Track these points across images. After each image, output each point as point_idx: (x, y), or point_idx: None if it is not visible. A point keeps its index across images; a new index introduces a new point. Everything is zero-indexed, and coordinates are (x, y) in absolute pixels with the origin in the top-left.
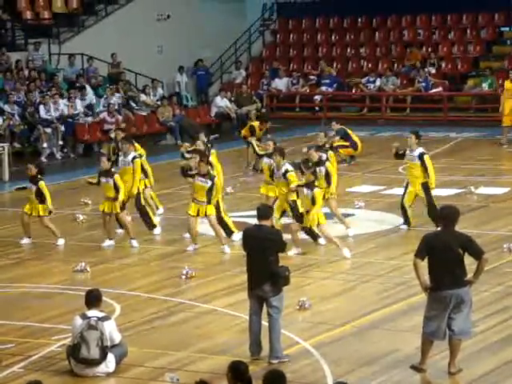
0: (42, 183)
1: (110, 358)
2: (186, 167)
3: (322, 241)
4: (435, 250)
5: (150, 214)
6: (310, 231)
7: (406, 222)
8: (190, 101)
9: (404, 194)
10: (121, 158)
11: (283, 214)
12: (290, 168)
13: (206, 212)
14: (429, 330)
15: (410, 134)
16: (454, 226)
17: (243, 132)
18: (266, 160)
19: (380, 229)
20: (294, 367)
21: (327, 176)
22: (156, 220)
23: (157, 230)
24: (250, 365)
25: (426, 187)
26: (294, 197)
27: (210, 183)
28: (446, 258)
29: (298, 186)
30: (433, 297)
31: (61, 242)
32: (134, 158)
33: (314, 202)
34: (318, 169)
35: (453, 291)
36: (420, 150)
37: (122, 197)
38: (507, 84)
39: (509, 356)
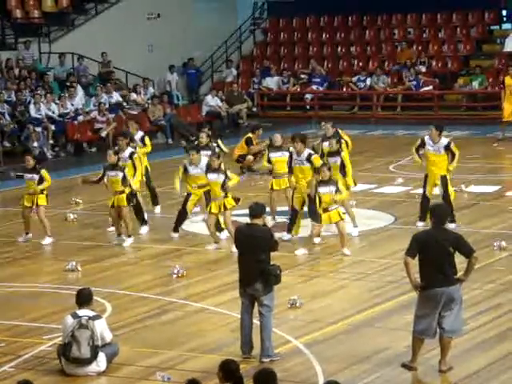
0: (43, 171)
1: (101, 357)
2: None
3: (316, 240)
4: (426, 249)
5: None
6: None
7: (423, 217)
8: (180, 100)
9: (425, 185)
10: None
11: (303, 204)
12: (313, 152)
13: (225, 206)
14: (419, 328)
15: (431, 127)
16: (444, 224)
17: (236, 152)
18: (275, 154)
19: (371, 227)
20: (286, 366)
21: (342, 166)
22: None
23: (144, 229)
24: (241, 363)
25: (445, 181)
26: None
27: (223, 177)
28: (437, 256)
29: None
30: (423, 295)
31: (48, 240)
32: (132, 153)
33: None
34: (333, 159)
35: (443, 289)
36: (445, 140)
37: (134, 184)
38: (508, 80)
39: (500, 353)
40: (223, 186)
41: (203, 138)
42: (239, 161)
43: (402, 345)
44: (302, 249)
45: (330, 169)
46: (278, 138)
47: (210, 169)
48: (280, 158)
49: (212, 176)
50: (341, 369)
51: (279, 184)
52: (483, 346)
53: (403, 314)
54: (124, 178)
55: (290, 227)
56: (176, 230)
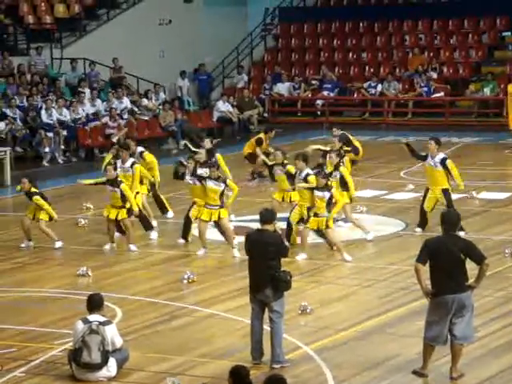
0: (36, 197)
1: (112, 362)
2: (180, 170)
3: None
4: (436, 255)
5: (147, 216)
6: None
7: (422, 225)
8: (191, 105)
9: (424, 198)
10: (119, 165)
11: (301, 220)
12: (311, 172)
13: (219, 216)
14: (430, 335)
15: (430, 141)
16: (455, 231)
17: (246, 150)
18: (278, 171)
19: (382, 233)
20: (296, 372)
21: (342, 180)
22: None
23: (153, 234)
24: (251, 369)
25: (446, 193)
26: (308, 203)
27: (223, 186)
28: (448, 262)
29: (309, 188)
30: (434, 302)
31: (58, 244)
32: (134, 163)
33: (330, 202)
34: (334, 173)
35: (454, 296)
36: (441, 155)
37: (133, 206)
38: (510, 88)
39: (511, 361)
40: (222, 195)
41: (202, 154)
42: (248, 158)
43: (412, 351)
44: (302, 254)
45: (328, 177)
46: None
47: (210, 177)
48: (281, 177)
49: (211, 183)
50: (351, 375)
51: (282, 197)
52: (494, 353)
53: (414, 321)
54: (122, 195)
55: (288, 236)
56: (184, 237)
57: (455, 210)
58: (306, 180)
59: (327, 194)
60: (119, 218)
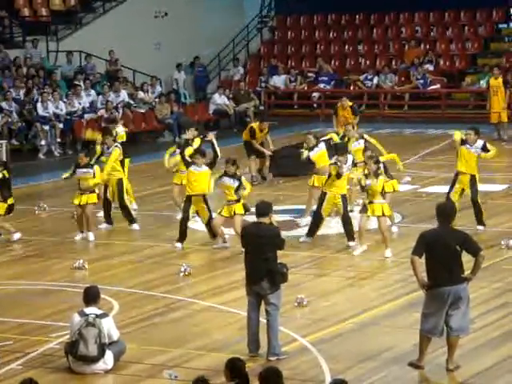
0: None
1: (109, 355)
2: (180, 143)
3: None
4: (432, 247)
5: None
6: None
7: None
8: (188, 98)
9: (452, 187)
10: (105, 151)
11: (330, 213)
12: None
13: (234, 211)
14: (426, 326)
15: (469, 131)
16: (451, 223)
17: (244, 137)
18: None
19: None
20: (293, 364)
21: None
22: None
23: (135, 226)
24: (248, 362)
25: (474, 181)
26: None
27: (237, 183)
28: (444, 255)
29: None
30: (430, 294)
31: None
32: (115, 147)
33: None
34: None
35: (450, 288)
36: (481, 141)
37: (97, 180)
38: (492, 81)
39: (508, 352)
40: (237, 191)
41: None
42: (246, 144)
43: (409, 343)
44: (359, 247)
45: (377, 162)
46: (311, 140)
47: (225, 174)
48: (320, 152)
49: (227, 180)
50: (348, 367)
51: (321, 181)
52: (490, 344)
53: (410, 313)
54: (94, 174)
55: (312, 231)
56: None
57: (453, 203)
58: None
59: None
60: (87, 202)
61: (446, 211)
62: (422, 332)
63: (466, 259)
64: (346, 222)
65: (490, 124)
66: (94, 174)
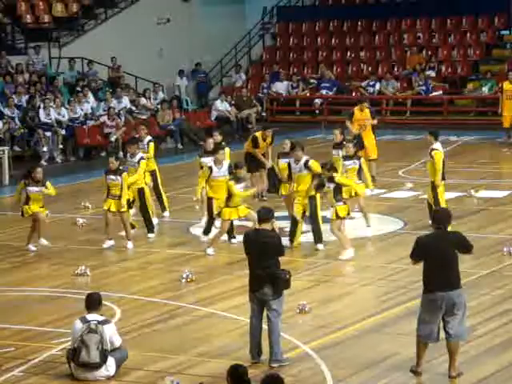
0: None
1: (110, 361)
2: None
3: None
4: (428, 252)
5: (151, 217)
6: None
7: None
8: (190, 104)
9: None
10: (128, 159)
11: (304, 213)
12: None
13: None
14: (422, 332)
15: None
16: (447, 228)
17: (246, 148)
18: (283, 160)
19: (380, 232)
20: (295, 371)
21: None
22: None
23: (151, 235)
24: (250, 368)
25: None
26: (312, 192)
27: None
28: (439, 259)
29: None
30: (425, 299)
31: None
32: (141, 158)
33: (338, 192)
34: (348, 163)
35: (444, 293)
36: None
37: (124, 198)
38: (506, 85)
39: (510, 359)
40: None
41: (210, 144)
42: (248, 156)
43: (411, 350)
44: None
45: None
46: (286, 145)
47: (237, 181)
48: (283, 166)
49: (239, 186)
50: (350, 374)
51: (286, 188)
52: (492, 352)
53: (412, 320)
54: (122, 184)
55: (292, 236)
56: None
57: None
58: (306, 166)
59: (332, 186)
60: (120, 209)
61: (440, 216)
62: (419, 338)
63: (461, 267)
64: (313, 222)
65: (491, 130)
66: (121, 183)
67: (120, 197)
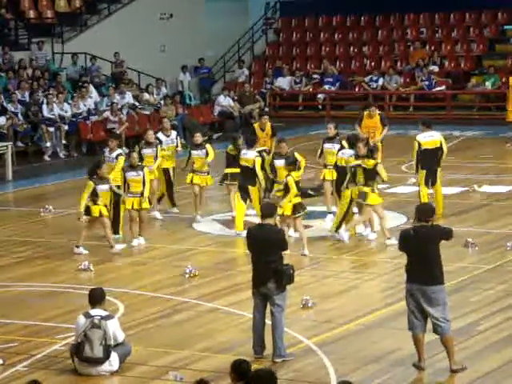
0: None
1: (114, 356)
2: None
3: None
4: (409, 245)
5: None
6: None
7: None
8: (192, 100)
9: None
10: (106, 154)
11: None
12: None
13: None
14: (410, 324)
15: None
16: (428, 221)
17: None
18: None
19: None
20: (298, 366)
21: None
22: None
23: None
24: (253, 363)
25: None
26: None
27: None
28: (418, 254)
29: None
30: (406, 289)
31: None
32: (119, 154)
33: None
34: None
35: (419, 287)
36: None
37: (148, 190)
38: None
39: None
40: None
41: (198, 141)
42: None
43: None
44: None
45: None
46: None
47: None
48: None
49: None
50: (353, 369)
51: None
52: (496, 346)
53: None
54: (144, 179)
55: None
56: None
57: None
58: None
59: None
60: (142, 206)
61: (422, 210)
62: (410, 331)
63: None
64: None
65: (495, 125)
66: (143, 179)
67: (142, 194)
